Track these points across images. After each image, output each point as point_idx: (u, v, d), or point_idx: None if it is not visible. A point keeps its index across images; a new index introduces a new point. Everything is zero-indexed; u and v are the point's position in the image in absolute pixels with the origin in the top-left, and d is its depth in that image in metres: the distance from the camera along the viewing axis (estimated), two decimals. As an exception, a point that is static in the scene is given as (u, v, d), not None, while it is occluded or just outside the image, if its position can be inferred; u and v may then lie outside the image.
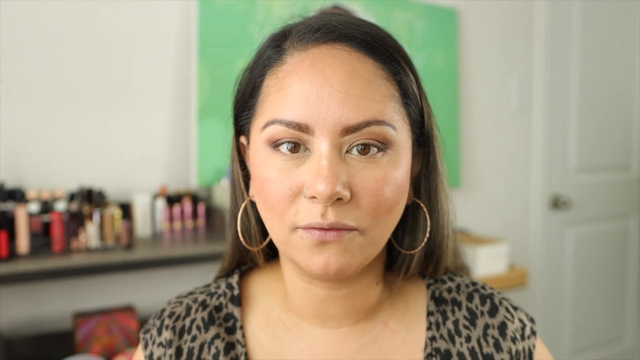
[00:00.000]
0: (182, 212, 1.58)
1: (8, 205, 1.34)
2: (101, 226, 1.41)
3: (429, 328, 0.59)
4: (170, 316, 0.61)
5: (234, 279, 0.63)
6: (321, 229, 0.49)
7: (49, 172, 1.52)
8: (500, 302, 0.61)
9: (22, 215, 1.31)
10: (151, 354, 0.59)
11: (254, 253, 0.62)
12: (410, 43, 2.04)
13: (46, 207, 1.37)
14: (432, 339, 0.58)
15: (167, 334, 0.59)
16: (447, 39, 2.14)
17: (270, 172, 0.51)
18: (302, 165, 0.50)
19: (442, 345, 0.58)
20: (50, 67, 1.52)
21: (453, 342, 0.58)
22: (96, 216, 1.41)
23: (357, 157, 0.50)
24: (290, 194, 0.50)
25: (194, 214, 1.60)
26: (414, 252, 0.59)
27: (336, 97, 0.49)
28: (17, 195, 1.36)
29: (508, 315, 0.60)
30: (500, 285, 1.83)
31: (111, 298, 1.58)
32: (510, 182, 2.40)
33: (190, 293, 0.64)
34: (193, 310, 0.61)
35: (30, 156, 1.51)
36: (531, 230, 2.48)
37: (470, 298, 0.61)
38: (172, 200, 1.59)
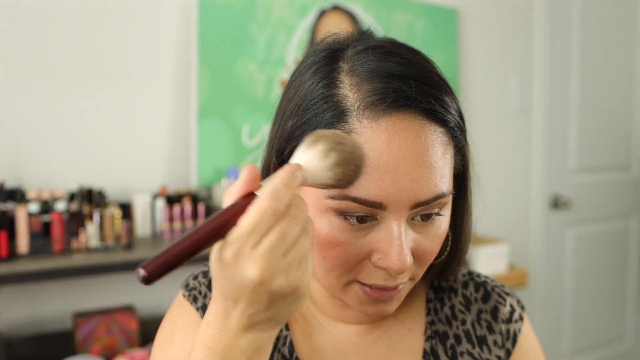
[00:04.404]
0: (182, 212, 1.58)
1: (8, 205, 1.34)
2: (101, 226, 1.41)
3: (428, 313, 0.63)
4: None
5: None
6: (384, 289, 0.52)
7: (49, 172, 1.52)
8: (493, 289, 0.66)
9: (22, 215, 1.31)
10: (204, 306, 0.60)
11: None
12: (410, 43, 2.04)
13: (46, 207, 1.37)
14: (431, 323, 0.63)
15: None
16: (447, 39, 2.13)
17: (338, 235, 0.49)
18: (371, 233, 0.50)
19: (440, 327, 0.62)
20: (50, 68, 1.52)
21: (450, 325, 0.63)
22: (96, 216, 1.41)
23: (419, 223, 0.51)
24: (357, 259, 0.50)
25: (194, 214, 1.60)
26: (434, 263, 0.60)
27: (411, 176, 0.47)
28: (17, 195, 1.36)
29: (500, 300, 0.65)
30: (500, 285, 1.83)
31: (111, 298, 1.58)
32: (510, 182, 2.40)
33: None
34: None
35: (30, 156, 1.51)
36: (531, 230, 2.48)
37: (465, 286, 0.66)
38: (172, 200, 1.59)
